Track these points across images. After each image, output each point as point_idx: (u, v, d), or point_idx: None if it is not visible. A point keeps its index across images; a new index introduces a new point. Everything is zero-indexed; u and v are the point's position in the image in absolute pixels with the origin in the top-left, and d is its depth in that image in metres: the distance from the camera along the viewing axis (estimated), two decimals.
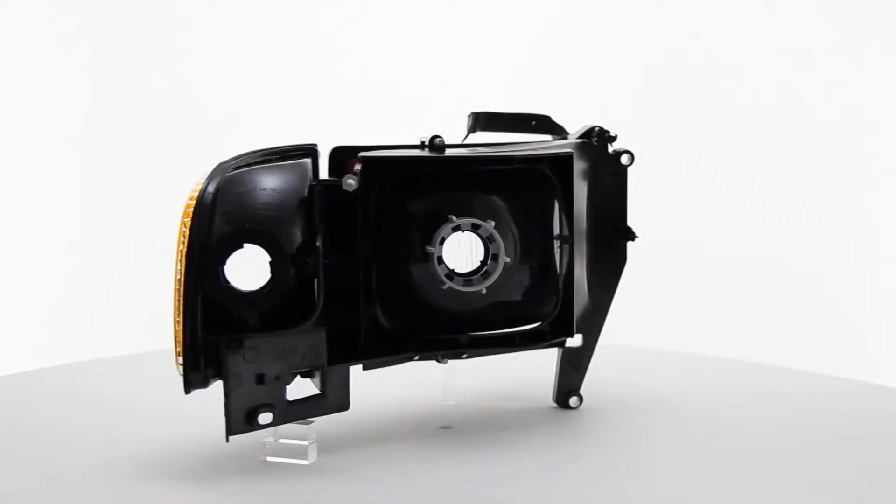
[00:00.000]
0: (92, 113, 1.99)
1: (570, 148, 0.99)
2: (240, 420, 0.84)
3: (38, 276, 1.98)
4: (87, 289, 1.97)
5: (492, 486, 0.82)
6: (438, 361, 0.96)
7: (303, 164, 0.89)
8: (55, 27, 1.99)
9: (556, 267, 0.97)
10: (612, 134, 1.01)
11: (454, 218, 0.92)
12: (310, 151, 0.92)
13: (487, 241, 0.94)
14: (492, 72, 1.97)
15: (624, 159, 1.01)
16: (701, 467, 0.86)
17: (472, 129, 1.01)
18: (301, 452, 0.88)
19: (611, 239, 1.01)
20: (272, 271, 0.85)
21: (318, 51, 1.98)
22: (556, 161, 0.97)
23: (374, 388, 1.12)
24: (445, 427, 0.98)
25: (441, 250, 0.92)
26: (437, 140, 0.95)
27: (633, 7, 1.96)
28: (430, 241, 0.92)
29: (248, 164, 0.87)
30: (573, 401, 1.03)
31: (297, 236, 0.86)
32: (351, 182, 0.88)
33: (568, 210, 0.97)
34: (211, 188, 0.84)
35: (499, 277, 0.94)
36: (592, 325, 1.02)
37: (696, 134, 1.90)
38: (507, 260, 0.94)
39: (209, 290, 0.83)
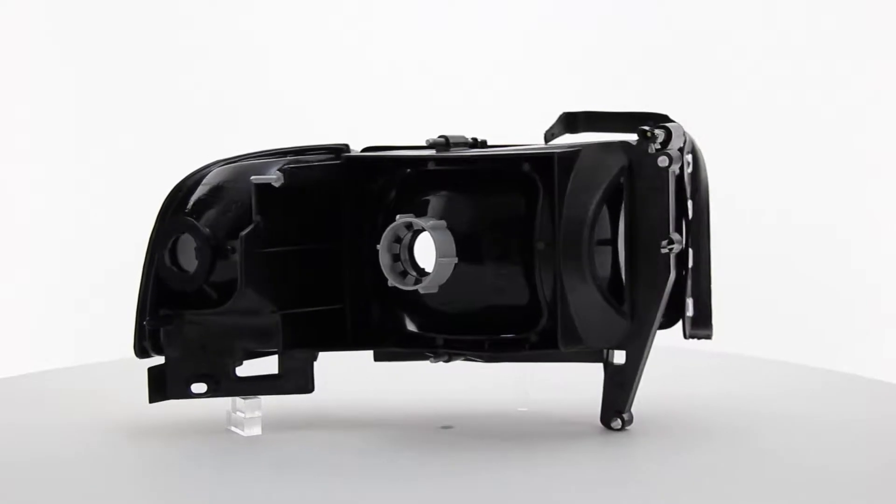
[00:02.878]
0: (91, 113, 1.98)
1: (602, 147, 0.92)
2: (179, 387, 0.94)
3: (38, 277, 1.98)
4: (87, 290, 1.97)
5: (488, 486, 0.81)
6: (432, 362, 0.96)
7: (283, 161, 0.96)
8: (53, 26, 1.98)
9: (539, 274, 0.91)
10: (654, 132, 0.91)
11: (398, 217, 0.92)
12: (335, 151, 0.96)
13: None
14: (491, 71, 1.97)
15: (661, 161, 0.91)
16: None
17: (569, 130, 0.99)
18: (240, 423, 0.95)
19: (648, 249, 0.92)
20: (196, 256, 0.93)
21: (317, 51, 1.98)
22: (538, 162, 0.91)
23: (377, 385, 1.13)
24: (447, 427, 0.97)
25: (397, 248, 0.92)
26: (436, 139, 0.95)
27: (632, 6, 1.96)
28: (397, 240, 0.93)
29: (247, 160, 0.96)
30: (615, 422, 0.94)
31: (233, 227, 0.92)
32: (273, 177, 0.93)
33: (551, 215, 0.90)
34: (184, 178, 0.96)
35: (465, 280, 0.91)
36: (635, 342, 0.93)
37: (696, 133, 1.89)
38: (447, 261, 0.90)
39: (157, 268, 0.93)
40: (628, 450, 0.91)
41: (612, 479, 0.84)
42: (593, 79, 1.93)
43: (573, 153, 0.90)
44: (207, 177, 0.95)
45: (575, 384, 1.05)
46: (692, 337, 0.96)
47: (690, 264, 0.94)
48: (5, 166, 1.98)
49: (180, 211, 0.94)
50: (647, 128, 0.91)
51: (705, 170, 0.97)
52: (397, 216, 0.92)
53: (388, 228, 0.92)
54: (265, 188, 0.92)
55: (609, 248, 0.92)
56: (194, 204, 0.94)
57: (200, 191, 0.95)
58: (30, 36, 1.99)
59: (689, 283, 0.95)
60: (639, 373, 0.93)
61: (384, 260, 0.92)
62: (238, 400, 0.95)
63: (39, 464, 0.88)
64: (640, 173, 0.92)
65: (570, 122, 0.98)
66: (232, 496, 0.80)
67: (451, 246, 0.91)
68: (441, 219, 0.92)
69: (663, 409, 1.02)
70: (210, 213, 0.94)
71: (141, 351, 0.94)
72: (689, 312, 0.95)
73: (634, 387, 0.93)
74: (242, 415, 0.95)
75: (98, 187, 1.98)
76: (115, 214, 1.97)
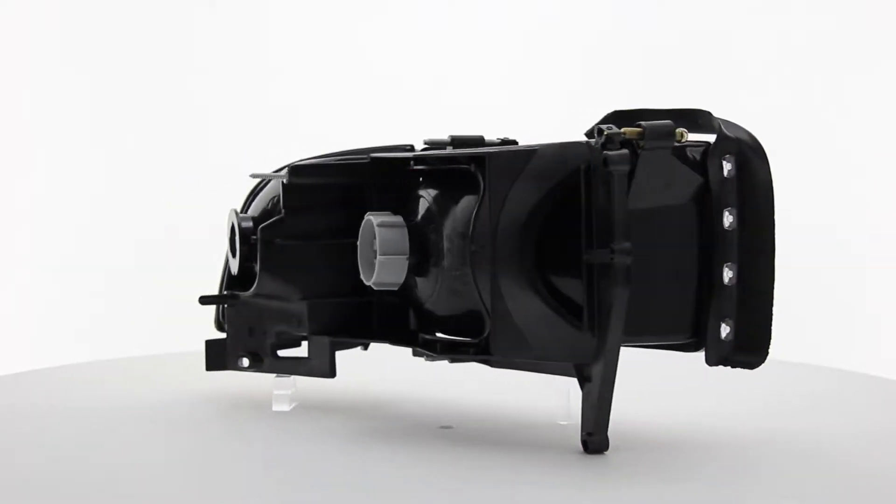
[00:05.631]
0: (92, 113, 1.98)
1: (561, 147, 0.86)
2: (231, 360, 1.04)
3: (38, 276, 1.98)
4: (87, 289, 1.97)
5: (486, 487, 0.81)
6: (427, 360, 0.94)
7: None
8: (56, 28, 1.99)
9: (475, 277, 0.87)
10: (611, 132, 0.84)
11: (366, 215, 0.93)
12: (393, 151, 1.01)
13: None
14: (492, 71, 1.97)
15: (611, 165, 0.83)
16: None
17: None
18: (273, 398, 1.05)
19: (600, 259, 0.84)
20: (235, 245, 1.02)
21: (317, 52, 1.98)
22: (480, 162, 0.87)
23: (379, 384, 1.14)
24: (447, 427, 0.97)
25: (376, 244, 0.93)
26: (433, 139, 0.96)
27: (633, 6, 1.96)
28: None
29: (321, 158, 1.03)
30: (588, 444, 0.87)
31: (261, 221, 1.00)
32: (281, 174, 1.00)
33: (483, 215, 0.85)
34: (270, 173, 1.04)
35: (430, 279, 0.91)
36: (600, 357, 0.85)
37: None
38: (385, 259, 0.90)
39: (226, 257, 1.04)
40: (623, 457, 0.87)
41: (605, 482, 0.84)
42: (593, 78, 1.93)
43: (517, 153, 0.86)
44: (280, 174, 1.02)
45: (628, 400, 1.05)
46: (724, 364, 0.87)
47: (727, 281, 0.86)
48: (6, 166, 1.98)
49: (246, 202, 1.05)
50: (603, 126, 0.85)
51: (762, 176, 0.87)
52: (367, 214, 0.93)
53: (362, 226, 0.93)
54: (286, 185, 0.99)
55: (576, 256, 0.85)
56: (256, 197, 1.05)
57: (267, 185, 1.05)
58: (31, 37, 1.99)
59: (723, 302, 0.86)
60: (603, 392, 0.85)
61: (359, 255, 0.93)
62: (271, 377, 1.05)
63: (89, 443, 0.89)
64: (596, 177, 0.84)
65: (621, 120, 0.89)
66: (206, 476, 0.81)
67: (398, 244, 0.91)
68: (410, 218, 0.92)
69: (658, 415, 1.01)
70: (260, 206, 1.03)
71: (219, 326, 1.08)
72: (723, 336, 0.86)
73: (602, 407, 0.85)
74: (275, 391, 1.04)
75: (99, 187, 1.98)
76: (116, 214, 1.97)
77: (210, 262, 1.90)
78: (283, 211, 0.99)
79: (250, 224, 1.01)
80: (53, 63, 1.98)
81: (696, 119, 0.87)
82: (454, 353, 0.91)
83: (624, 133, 0.84)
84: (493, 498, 0.78)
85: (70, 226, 1.98)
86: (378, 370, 1.19)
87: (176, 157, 1.94)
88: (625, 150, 0.83)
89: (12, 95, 1.98)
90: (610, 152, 0.83)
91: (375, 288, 0.92)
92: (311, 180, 0.99)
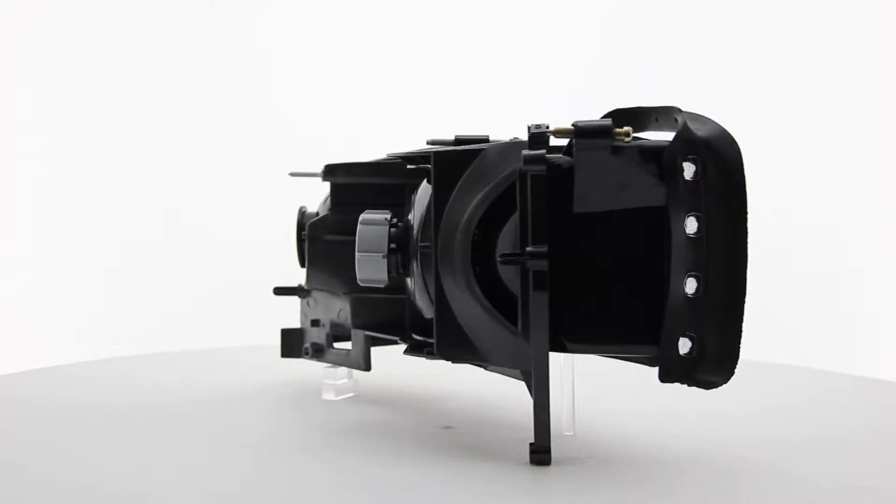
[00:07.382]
0: (92, 113, 1.99)
1: (504, 147, 0.83)
2: (298, 348, 1.12)
3: (38, 277, 1.98)
4: (87, 289, 1.97)
5: (486, 487, 0.81)
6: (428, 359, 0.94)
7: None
8: (55, 29, 1.99)
9: (424, 278, 0.88)
10: (536, 131, 0.79)
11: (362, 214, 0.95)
12: None
13: None
14: (492, 72, 1.97)
15: (525, 165, 0.78)
16: None
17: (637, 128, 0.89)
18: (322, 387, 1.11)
19: (516, 262, 0.81)
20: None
21: (318, 53, 1.98)
22: (429, 162, 0.87)
23: (380, 383, 1.15)
24: (447, 427, 0.98)
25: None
26: (434, 139, 0.96)
27: (633, 6, 1.96)
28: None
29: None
30: (529, 454, 0.83)
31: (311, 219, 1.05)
32: (318, 173, 1.04)
33: (429, 215, 0.85)
34: None
35: (410, 279, 0.92)
36: (531, 361, 0.80)
37: None
38: (361, 256, 0.90)
39: None
40: (619, 463, 0.86)
41: (602, 488, 0.84)
42: (593, 79, 1.93)
43: (462, 153, 0.84)
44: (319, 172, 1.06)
45: (624, 401, 1.05)
46: (681, 381, 0.80)
47: (691, 293, 0.78)
48: (6, 166, 1.98)
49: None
50: (530, 125, 0.81)
51: (734, 179, 0.77)
52: (363, 213, 0.94)
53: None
54: (333, 184, 1.04)
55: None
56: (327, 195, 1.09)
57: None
58: (31, 37, 1.99)
59: (685, 315, 0.79)
60: (537, 400, 0.80)
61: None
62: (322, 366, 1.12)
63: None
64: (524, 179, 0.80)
65: (623, 118, 0.84)
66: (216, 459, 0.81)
67: (376, 242, 0.91)
68: (392, 216, 0.92)
69: (654, 417, 1.01)
70: (322, 203, 1.08)
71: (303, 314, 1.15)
72: (682, 352, 0.79)
73: (539, 415, 0.81)
74: (323, 380, 1.10)
75: (99, 187, 1.99)
76: (116, 214, 1.97)
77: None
78: (331, 207, 1.03)
79: (303, 219, 1.06)
80: (53, 63, 1.98)
81: (674, 116, 0.80)
82: (417, 352, 0.92)
83: (555, 133, 0.80)
84: (493, 498, 0.78)
85: (70, 226, 1.98)
86: (418, 366, 1.18)
87: (176, 157, 1.95)
88: (541, 151, 0.79)
89: (12, 95, 1.98)
90: (526, 152, 0.79)
91: (362, 284, 0.93)
92: (353, 179, 1.03)
